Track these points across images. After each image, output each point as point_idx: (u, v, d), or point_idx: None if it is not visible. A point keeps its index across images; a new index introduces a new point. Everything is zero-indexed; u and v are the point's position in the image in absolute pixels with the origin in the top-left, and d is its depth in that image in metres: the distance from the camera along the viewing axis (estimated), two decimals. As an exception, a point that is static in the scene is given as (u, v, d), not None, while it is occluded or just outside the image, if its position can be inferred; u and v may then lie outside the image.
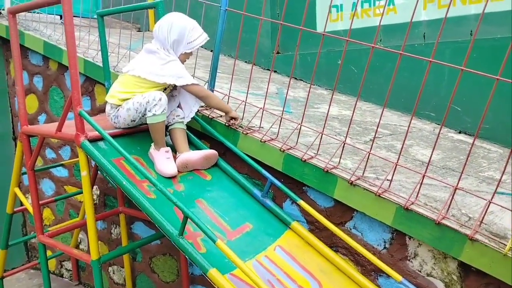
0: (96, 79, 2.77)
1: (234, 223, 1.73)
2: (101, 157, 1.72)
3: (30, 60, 3.29)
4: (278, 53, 3.92)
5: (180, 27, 1.88)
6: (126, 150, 1.66)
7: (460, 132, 2.83)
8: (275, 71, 3.87)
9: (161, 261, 2.61)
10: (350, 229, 1.75)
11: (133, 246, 2.23)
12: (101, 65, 2.46)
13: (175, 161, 1.89)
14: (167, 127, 2.00)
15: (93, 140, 1.82)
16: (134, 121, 1.92)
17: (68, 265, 3.38)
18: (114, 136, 1.85)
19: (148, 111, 1.84)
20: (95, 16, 3.83)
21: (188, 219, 1.47)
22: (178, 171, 1.88)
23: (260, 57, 4.01)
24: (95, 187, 2.89)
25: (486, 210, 1.45)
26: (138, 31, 5.02)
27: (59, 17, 3.93)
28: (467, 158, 1.48)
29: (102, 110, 2.83)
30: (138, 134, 2.01)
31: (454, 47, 2.79)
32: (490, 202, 1.44)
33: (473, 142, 1.43)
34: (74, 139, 1.78)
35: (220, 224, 1.71)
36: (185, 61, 1.99)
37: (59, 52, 2.98)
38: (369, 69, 2.75)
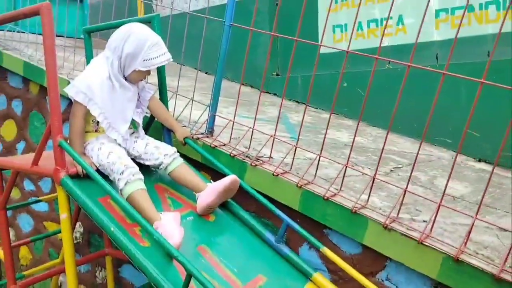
0: (82, 103, 2.49)
1: (245, 276, 1.44)
2: (85, 197, 1.43)
3: (9, 82, 3.00)
4: (277, 75, 3.70)
5: (138, 40, 1.57)
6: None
7: (479, 160, 2.61)
8: (275, 94, 3.63)
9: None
10: (383, 280, 1.48)
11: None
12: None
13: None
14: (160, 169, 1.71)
15: (75, 176, 1.54)
16: None
17: (47, 310, 3.02)
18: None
19: (117, 180, 1.53)
20: (81, 36, 3.58)
21: (192, 277, 1.19)
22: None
23: (258, 78, 3.77)
24: (78, 223, 2.58)
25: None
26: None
27: (41, 36, 3.67)
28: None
29: (87, 137, 2.54)
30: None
31: (470, 68, 2.59)
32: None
33: (492, 170, 1.19)
34: (52, 175, 1.49)
35: (228, 278, 1.41)
36: (139, 80, 1.70)
37: (40, 73, 2.70)
38: (378, 93, 2.54)
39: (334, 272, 1.59)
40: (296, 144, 1.75)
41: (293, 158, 1.74)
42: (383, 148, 1.49)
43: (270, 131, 1.89)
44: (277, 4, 3.66)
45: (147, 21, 1.82)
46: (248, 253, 1.55)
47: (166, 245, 1.24)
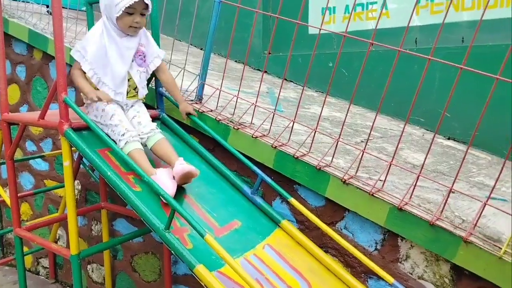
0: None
1: (222, 220, 1.67)
2: (85, 146, 1.64)
3: (14, 48, 3.18)
4: (269, 53, 3.88)
5: None
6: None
7: (449, 138, 2.83)
8: (266, 72, 3.83)
9: (143, 260, 2.53)
10: (341, 229, 1.71)
11: (114, 242, 2.15)
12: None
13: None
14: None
15: (77, 129, 1.74)
16: None
17: (45, 262, 3.26)
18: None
19: (118, 140, 1.71)
20: (83, 9, 3.72)
21: (176, 213, 1.41)
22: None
23: (251, 57, 3.96)
24: (76, 181, 2.80)
25: (481, 212, 1.42)
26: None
27: (45, 6, 3.83)
28: (461, 162, 1.46)
29: (87, 102, 2.74)
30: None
31: (445, 53, 2.79)
32: (485, 204, 1.41)
33: (467, 149, 1.41)
34: (57, 127, 1.70)
35: (208, 220, 1.65)
36: (128, 28, 1.74)
37: (44, 41, 2.88)
38: (358, 73, 2.75)
39: (301, 222, 1.82)
40: (274, 112, 1.96)
41: (271, 124, 1.95)
42: (344, 121, 1.70)
43: (258, 104, 2.10)
44: (271, -15, 3.83)
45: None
46: (226, 202, 1.78)
47: (155, 186, 1.46)
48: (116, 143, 1.71)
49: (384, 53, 3.07)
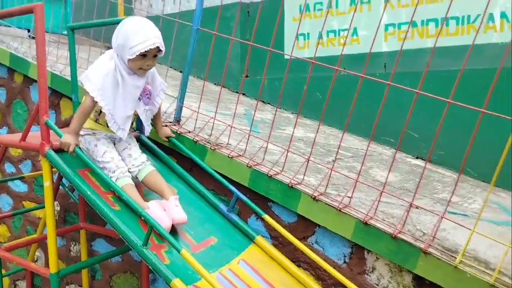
0: (63, 93, 2.75)
1: (199, 237, 1.74)
2: (66, 167, 1.70)
3: (-6, 72, 3.23)
4: (247, 76, 4.01)
5: (125, 31, 1.69)
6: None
7: (417, 158, 2.98)
8: (244, 94, 3.95)
9: (121, 279, 2.55)
10: (312, 243, 1.80)
11: (94, 261, 2.18)
12: (69, 78, 2.45)
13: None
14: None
15: (58, 151, 1.80)
16: None
17: (22, 284, 3.23)
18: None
19: (109, 176, 1.72)
20: (64, 33, 3.80)
21: (153, 230, 1.48)
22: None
23: (229, 80, 4.09)
24: (55, 202, 2.82)
25: (439, 225, 1.53)
26: (108, 49, 5.01)
27: (26, 31, 3.89)
28: (420, 178, 1.58)
29: (67, 124, 2.79)
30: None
31: (412, 77, 2.96)
32: (442, 218, 1.53)
33: (425, 164, 1.53)
34: (39, 148, 1.76)
35: (185, 237, 1.71)
36: (138, 69, 1.74)
37: (25, 64, 2.94)
38: (333, 96, 2.88)
39: (276, 238, 1.90)
40: (249, 132, 2.06)
41: (246, 144, 2.05)
42: (315, 138, 1.81)
43: (235, 125, 2.20)
44: (248, 12, 3.99)
45: (125, 22, 2.09)
46: (203, 220, 1.85)
47: (133, 204, 1.53)
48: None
49: (355, 78, 3.22)
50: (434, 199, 2.08)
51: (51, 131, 1.75)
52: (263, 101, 3.86)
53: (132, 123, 1.86)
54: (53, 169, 1.79)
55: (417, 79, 3.04)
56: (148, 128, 1.94)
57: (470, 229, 1.45)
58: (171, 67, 4.11)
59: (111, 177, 1.75)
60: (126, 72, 1.74)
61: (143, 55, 1.69)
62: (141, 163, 1.86)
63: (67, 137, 1.72)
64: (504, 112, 1.45)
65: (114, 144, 1.90)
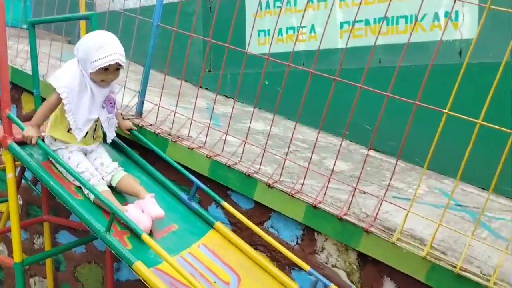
0: (24, 87, 2.75)
1: (161, 224, 1.83)
2: (29, 159, 1.76)
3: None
4: (209, 71, 4.10)
5: (86, 45, 1.75)
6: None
7: (370, 149, 3.16)
8: (207, 89, 4.04)
9: (86, 270, 2.61)
10: (268, 228, 1.93)
11: (58, 250, 2.23)
12: (30, 73, 2.47)
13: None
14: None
15: (20, 144, 1.85)
16: None
17: (-17, 280, 3.22)
18: (42, 139, 1.89)
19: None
20: (24, 27, 3.75)
21: (115, 216, 1.56)
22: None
23: (192, 74, 4.16)
24: (18, 196, 2.82)
25: (380, 207, 1.69)
26: (69, 43, 4.97)
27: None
28: (362, 166, 1.74)
29: (28, 118, 2.78)
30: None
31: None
32: (382, 200, 1.69)
33: (367, 153, 1.69)
34: (1, 141, 1.80)
35: (147, 225, 1.80)
36: (100, 81, 1.81)
37: (-16, 58, 2.91)
38: (292, 91, 3.03)
39: (234, 224, 2.02)
40: (209, 125, 2.16)
41: (206, 136, 2.15)
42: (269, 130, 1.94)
43: (197, 119, 2.29)
44: (210, 7, 4.08)
45: (85, 18, 2.15)
46: (165, 209, 1.92)
47: (95, 193, 1.61)
48: (82, 188, 1.80)
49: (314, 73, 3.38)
50: (381, 186, 2.26)
51: (13, 125, 1.79)
52: (226, 96, 3.96)
53: (97, 131, 1.93)
54: (16, 163, 1.83)
55: (368, 75, 3.21)
56: (111, 135, 2.00)
57: (406, 210, 1.62)
58: (133, 61, 4.14)
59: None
60: (91, 80, 1.82)
61: (105, 69, 1.76)
62: (114, 169, 1.91)
63: (29, 130, 1.77)
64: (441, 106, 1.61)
65: (86, 155, 1.94)
